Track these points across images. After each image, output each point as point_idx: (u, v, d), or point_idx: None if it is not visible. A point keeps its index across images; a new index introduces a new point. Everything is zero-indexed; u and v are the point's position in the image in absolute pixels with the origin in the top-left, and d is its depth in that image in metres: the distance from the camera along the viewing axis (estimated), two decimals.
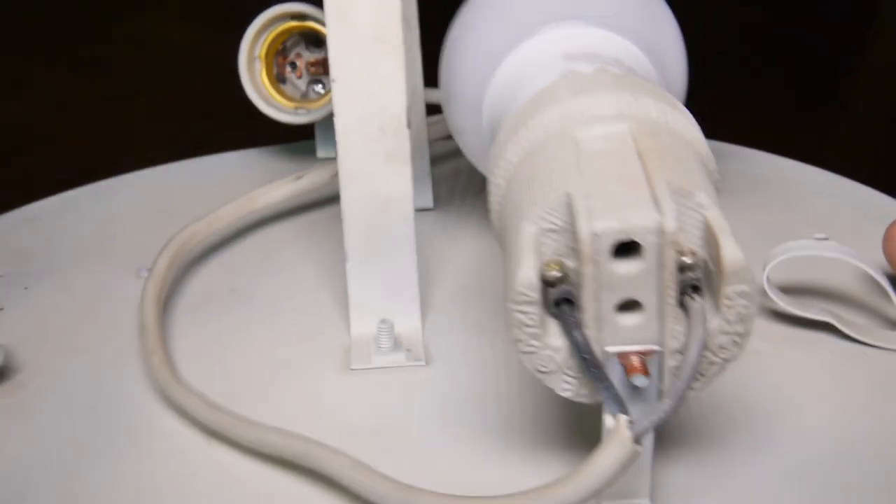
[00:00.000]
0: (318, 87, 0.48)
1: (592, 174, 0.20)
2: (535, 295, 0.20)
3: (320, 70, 0.47)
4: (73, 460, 0.27)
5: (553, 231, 0.20)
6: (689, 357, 0.19)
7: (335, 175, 0.42)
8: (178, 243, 0.35)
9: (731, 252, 0.19)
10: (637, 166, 0.20)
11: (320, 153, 0.50)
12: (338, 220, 0.41)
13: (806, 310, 0.29)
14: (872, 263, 0.28)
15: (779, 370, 0.28)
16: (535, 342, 0.20)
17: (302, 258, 0.38)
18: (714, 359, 0.20)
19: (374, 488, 0.22)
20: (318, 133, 0.50)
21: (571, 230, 0.20)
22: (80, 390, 0.30)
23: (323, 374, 0.30)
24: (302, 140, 0.50)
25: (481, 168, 0.34)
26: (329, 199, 0.43)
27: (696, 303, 0.19)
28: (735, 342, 0.20)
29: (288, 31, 0.46)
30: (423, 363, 0.30)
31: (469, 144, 0.33)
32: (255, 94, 0.46)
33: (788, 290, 0.29)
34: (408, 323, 0.31)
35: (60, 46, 0.73)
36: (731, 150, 0.43)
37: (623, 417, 0.19)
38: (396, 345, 0.30)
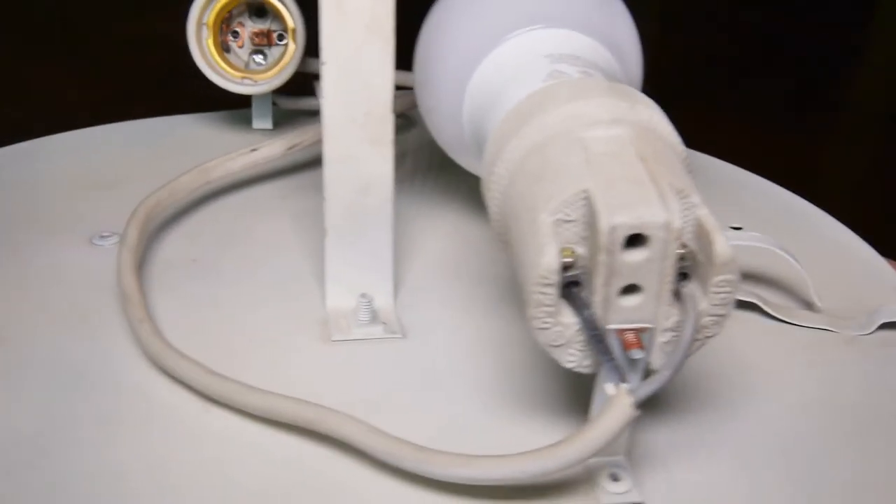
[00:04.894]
0: (259, 58, 0.48)
1: (604, 174, 0.23)
2: (556, 278, 0.22)
3: (263, 41, 0.48)
4: (69, 432, 0.27)
5: (567, 222, 0.23)
6: (685, 334, 0.22)
7: (289, 148, 0.44)
8: (144, 212, 0.35)
9: (721, 247, 0.22)
10: (640, 168, 0.23)
11: (256, 124, 0.50)
12: (289, 194, 0.42)
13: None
14: (786, 251, 0.33)
15: (716, 343, 0.32)
16: (549, 319, 0.23)
17: (259, 230, 0.39)
18: (698, 336, 0.23)
19: (391, 451, 0.24)
20: (254, 105, 0.50)
21: (585, 222, 0.23)
22: (64, 360, 0.30)
23: (303, 345, 0.31)
24: (235, 109, 0.51)
25: (446, 146, 0.36)
26: (281, 172, 0.44)
27: (688, 288, 0.23)
28: (716, 322, 0.23)
29: (235, 1, 0.46)
30: (400, 335, 0.32)
31: (440, 125, 0.35)
32: (203, 62, 0.46)
33: None
34: (382, 298, 0.33)
35: (60, 46, 0.71)
36: None
37: (623, 385, 0.23)
38: (374, 318, 0.32)
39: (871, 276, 0.37)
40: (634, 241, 0.22)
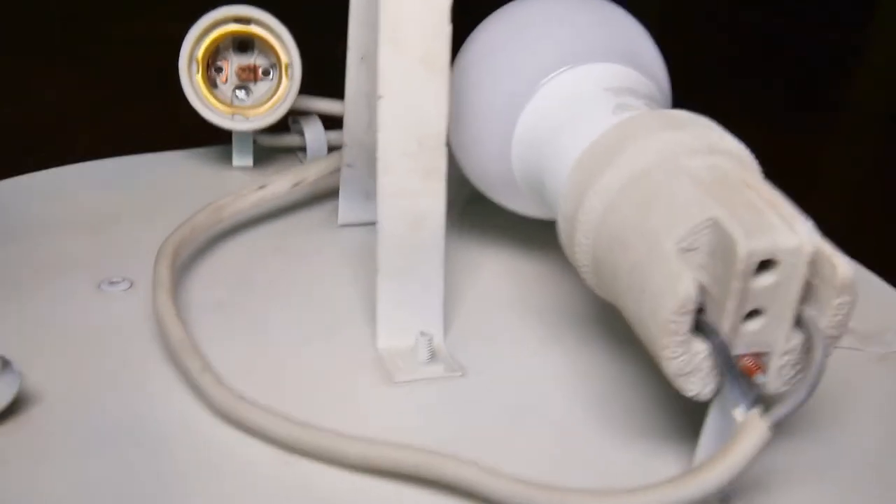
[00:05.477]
0: (242, 94, 0.46)
1: (725, 201, 0.23)
2: (693, 306, 0.22)
3: (249, 76, 0.46)
4: (143, 489, 0.24)
5: (689, 250, 0.23)
6: (817, 357, 0.23)
7: (295, 185, 0.42)
8: (170, 252, 0.33)
9: (844, 269, 0.23)
10: (754, 195, 0.23)
11: (236, 161, 0.48)
12: (302, 230, 0.41)
13: None
14: None
15: None
16: (680, 349, 0.23)
17: (276, 270, 0.37)
18: None
19: (517, 493, 0.23)
20: (235, 142, 0.48)
21: (707, 250, 0.23)
22: (113, 418, 0.27)
23: (365, 388, 0.30)
24: (213, 146, 0.49)
25: (485, 183, 0.35)
26: (286, 210, 0.43)
27: (809, 312, 0.23)
28: (830, 344, 0.24)
29: (226, 35, 0.44)
30: (461, 374, 0.31)
31: (481, 162, 0.34)
32: (194, 97, 0.44)
33: None
34: (434, 336, 0.32)
35: (60, 46, 0.67)
36: None
37: (754, 409, 0.23)
38: (434, 356, 0.31)
39: (883, 301, 0.38)
40: (763, 266, 0.23)
